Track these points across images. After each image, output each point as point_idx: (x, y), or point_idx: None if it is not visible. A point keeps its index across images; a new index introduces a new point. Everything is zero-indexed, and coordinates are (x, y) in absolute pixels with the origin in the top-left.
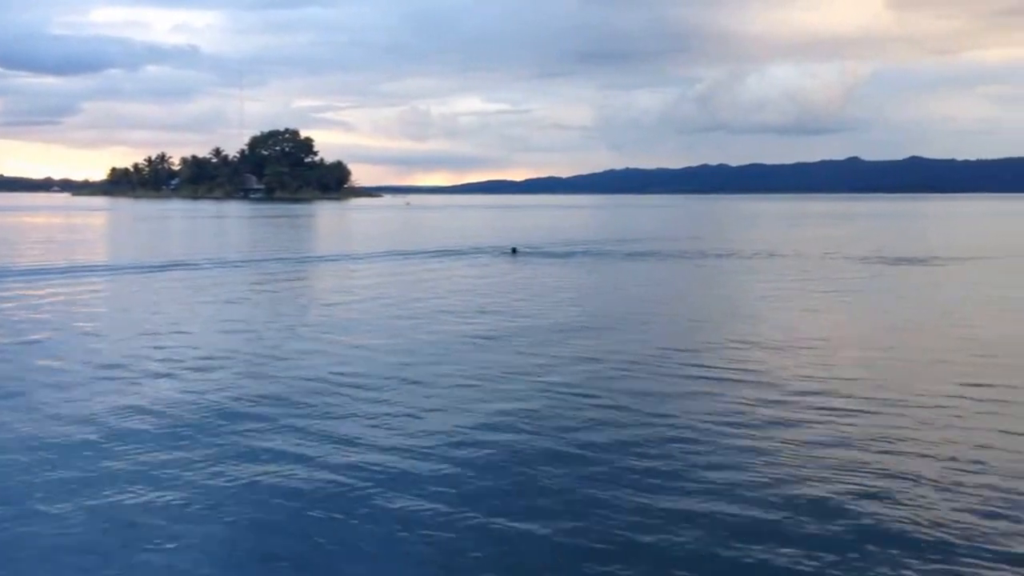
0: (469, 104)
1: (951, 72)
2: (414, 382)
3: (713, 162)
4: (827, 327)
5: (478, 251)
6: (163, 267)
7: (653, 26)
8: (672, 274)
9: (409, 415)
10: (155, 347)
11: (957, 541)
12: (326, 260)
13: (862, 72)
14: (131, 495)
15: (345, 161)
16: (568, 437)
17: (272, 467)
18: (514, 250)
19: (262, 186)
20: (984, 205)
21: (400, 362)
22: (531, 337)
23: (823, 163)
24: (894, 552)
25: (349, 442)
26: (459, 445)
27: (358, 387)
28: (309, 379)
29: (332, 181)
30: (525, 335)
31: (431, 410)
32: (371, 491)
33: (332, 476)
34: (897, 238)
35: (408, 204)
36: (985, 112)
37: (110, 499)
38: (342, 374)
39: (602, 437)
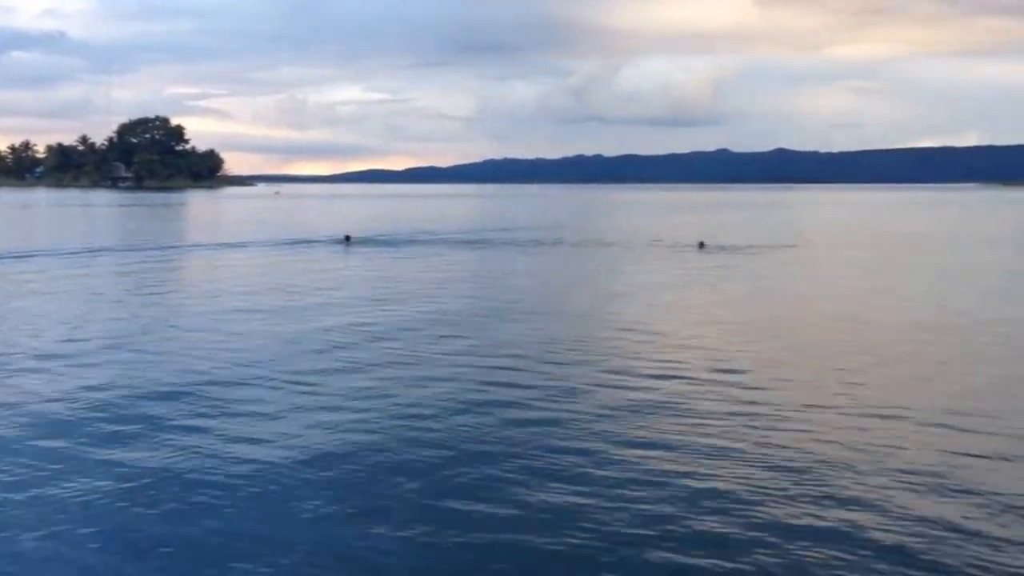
0: (348, 93)
1: (815, 67)
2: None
3: (589, 152)
4: (685, 317)
5: (311, 242)
6: (21, 256)
7: (528, 18)
8: (514, 263)
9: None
10: (8, 342)
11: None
12: (140, 250)
13: (731, 66)
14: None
15: (222, 150)
16: (406, 436)
17: (131, 456)
18: (347, 238)
19: (130, 175)
20: (842, 195)
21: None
22: (346, 336)
23: (695, 154)
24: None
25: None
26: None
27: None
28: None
29: (204, 170)
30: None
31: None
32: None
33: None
34: (744, 227)
35: (277, 193)
36: (847, 106)
37: None
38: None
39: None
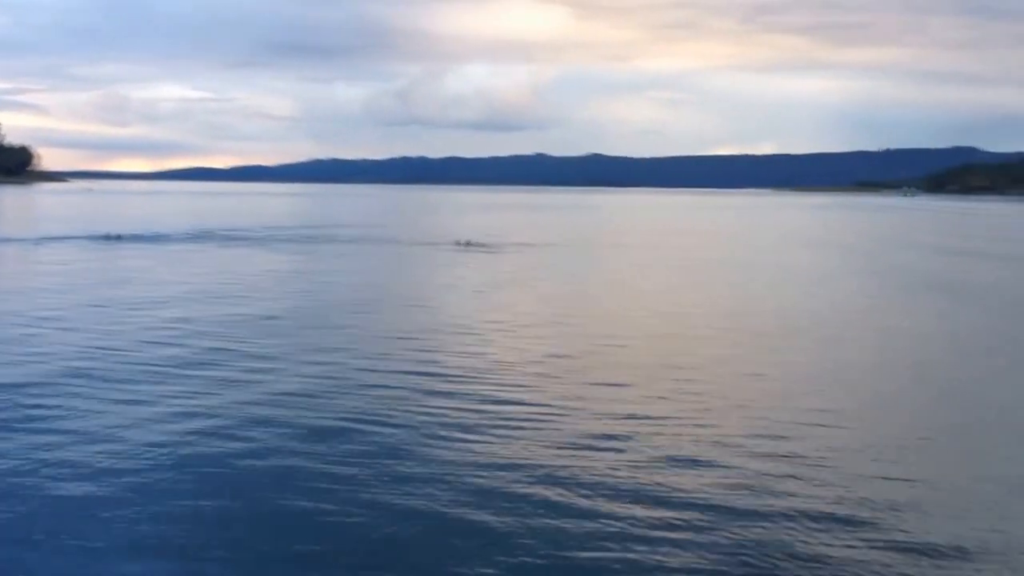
0: (170, 90)
1: (626, 77)
2: None
3: (414, 154)
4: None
5: (69, 238)
6: None
7: (352, 21)
8: (321, 262)
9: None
10: None
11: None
12: None
13: (548, 74)
14: None
15: (38, 146)
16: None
17: None
18: (118, 237)
19: None
20: (648, 198)
21: None
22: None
23: (514, 157)
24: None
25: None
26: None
27: None
28: None
29: (14, 164)
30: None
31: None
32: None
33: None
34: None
35: (90, 190)
36: (654, 115)
37: None
38: None
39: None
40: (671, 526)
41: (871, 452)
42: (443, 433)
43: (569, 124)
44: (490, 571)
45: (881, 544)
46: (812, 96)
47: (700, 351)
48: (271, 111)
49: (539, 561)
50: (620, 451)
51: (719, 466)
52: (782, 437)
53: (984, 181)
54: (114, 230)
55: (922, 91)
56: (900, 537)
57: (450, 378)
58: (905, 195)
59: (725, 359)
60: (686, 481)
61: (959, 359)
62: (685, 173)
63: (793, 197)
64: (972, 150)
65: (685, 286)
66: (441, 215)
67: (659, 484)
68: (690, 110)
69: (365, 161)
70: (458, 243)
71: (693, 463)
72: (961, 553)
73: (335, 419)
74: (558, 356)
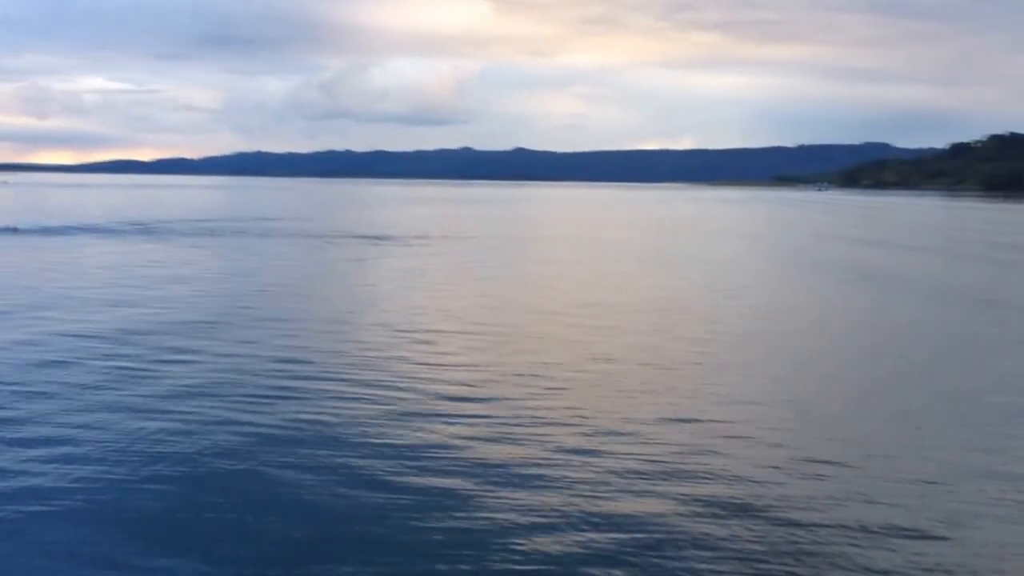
0: (93, 82)
1: (549, 72)
2: None
3: (339, 148)
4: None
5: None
6: None
7: (276, 14)
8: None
9: None
10: None
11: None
12: None
13: (473, 69)
14: None
15: None
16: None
17: None
18: (14, 229)
19: None
20: (574, 192)
21: None
22: None
23: (440, 151)
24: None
25: None
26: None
27: None
28: None
29: None
30: None
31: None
32: None
33: None
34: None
35: (6, 183)
36: (577, 109)
37: None
38: None
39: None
40: (592, 515)
41: (793, 436)
42: (327, 424)
43: (494, 118)
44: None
45: (782, 527)
46: (730, 92)
47: (618, 340)
48: (195, 103)
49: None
50: (519, 443)
51: (620, 454)
52: (695, 421)
53: (895, 176)
54: (12, 223)
55: (836, 88)
56: (804, 519)
57: (345, 369)
58: (820, 189)
59: (641, 348)
60: (604, 464)
61: (871, 340)
62: (609, 167)
63: (713, 191)
64: (885, 146)
65: (603, 276)
66: (364, 209)
67: (585, 474)
68: (612, 105)
69: (290, 154)
70: (377, 236)
71: (610, 445)
72: (894, 532)
73: (221, 413)
74: (466, 342)
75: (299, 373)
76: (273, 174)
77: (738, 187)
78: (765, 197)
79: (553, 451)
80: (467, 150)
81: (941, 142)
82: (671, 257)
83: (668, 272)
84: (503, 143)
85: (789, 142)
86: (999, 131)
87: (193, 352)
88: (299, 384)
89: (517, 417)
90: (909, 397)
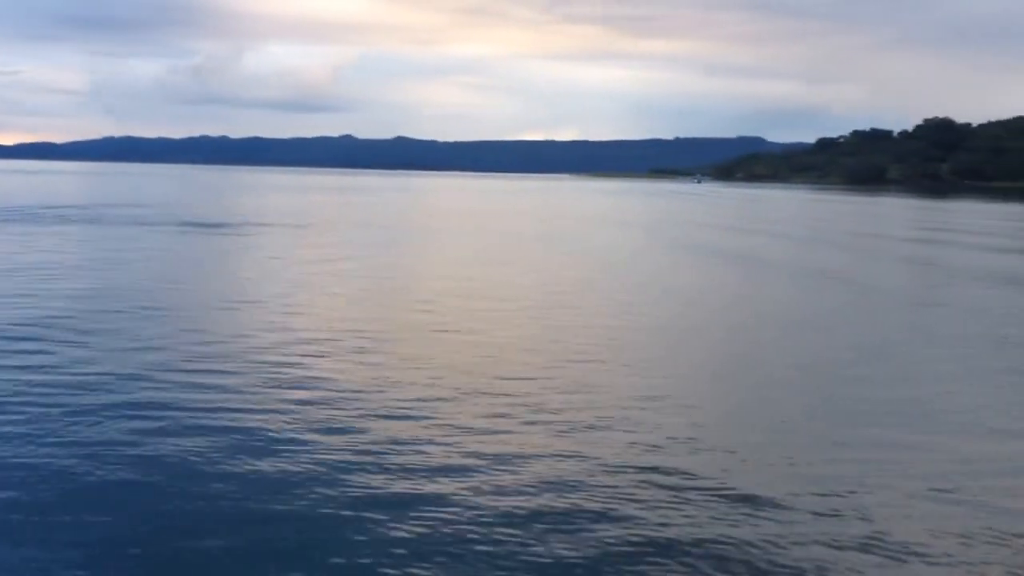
0: None
1: (431, 61)
2: None
3: (214, 134)
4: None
5: None
6: None
7: None
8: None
9: None
10: None
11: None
12: None
13: (353, 56)
14: None
15: None
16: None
17: None
18: None
19: None
20: (456, 181)
21: None
22: None
23: (320, 139)
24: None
25: None
26: None
27: None
28: None
29: None
30: None
31: None
32: None
33: None
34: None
35: None
36: (461, 99)
37: None
38: None
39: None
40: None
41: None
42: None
43: (376, 106)
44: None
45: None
46: (611, 85)
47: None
48: (62, 86)
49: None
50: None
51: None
52: (560, 411)
53: (768, 170)
54: None
55: (713, 83)
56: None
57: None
58: (697, 182)
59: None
60: (492, 450)
61: (741, 316)
62: (491, 157)
63: (594, 182)
64: (759, 140)
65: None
66: (240, 196)
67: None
68: (495, 96)
69: (162, 140)
70: (243, 223)
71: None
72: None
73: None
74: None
75: (151, 375)
76: (144, 160)
77: (618, 178)
78: (643, 189)
79: (391, 447)
80: (348, 138)
81: (811, 137)
82: (553, 244)
83: (549, 259)
84: (385, 132)
85: (668, 135)
86: (862, 127)
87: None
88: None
89: (386, 418)
90: (773, 363)
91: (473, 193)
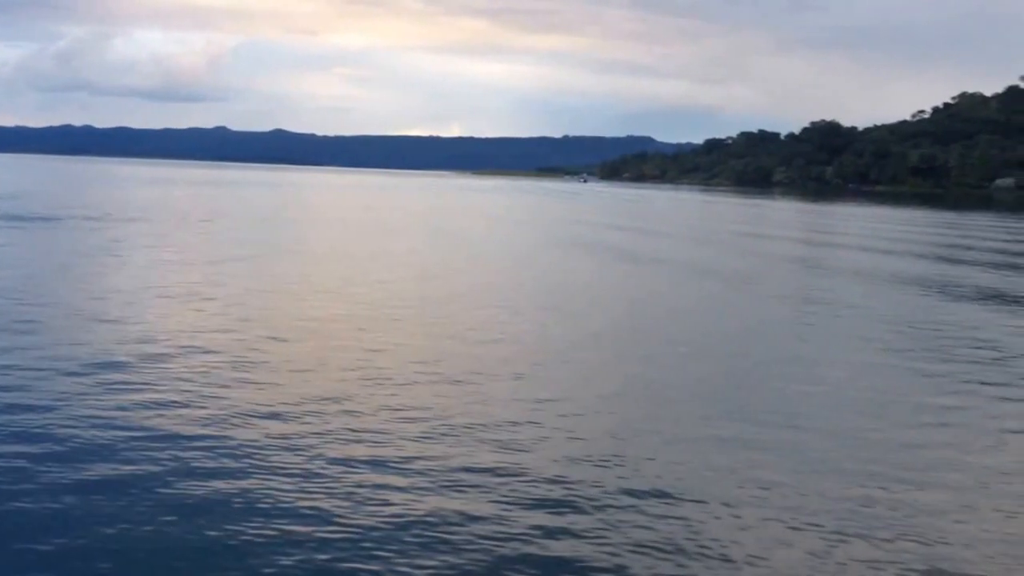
0: None
1: (312, 51)
2: None
3: (78, 123)
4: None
5: None
6: None
7: None
8: None
9: None
10: None
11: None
12: None
13: (230, 44)
14: None
15: None
16: None
17: None
18: None
19: None
20: (335, 177)
21: None
22: None
23: (192, 130)
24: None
25: None
26: None
27: None
28: None
29: None
30: None
31: None
32: None
33: None
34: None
35: None
36: (342, 92)
37: None
38: None
39: None
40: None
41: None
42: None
43: (252, 97)
44: None
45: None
46: (497, 80)
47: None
48: None
49: None
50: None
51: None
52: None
53: (655, 170)
54: None
55: (603, 81)
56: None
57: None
58: (583, 181)
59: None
60: (364, 454)
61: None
62: (374, 153)
63: (479, 180)
64: (648, 139)
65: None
66: (98, 189)
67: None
68: (378, 89)
69: (20, 128)
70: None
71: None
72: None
73: None
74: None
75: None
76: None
77: (504, 176)
78: (528, 187)
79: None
80: (222, 129)
81: (701, 138)
82: (433, 239)
83: (430, 255)
84: (261, 124)
85: (556, 132)
86: (750, 128)
87: None
88: None
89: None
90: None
91: (350, 190)
